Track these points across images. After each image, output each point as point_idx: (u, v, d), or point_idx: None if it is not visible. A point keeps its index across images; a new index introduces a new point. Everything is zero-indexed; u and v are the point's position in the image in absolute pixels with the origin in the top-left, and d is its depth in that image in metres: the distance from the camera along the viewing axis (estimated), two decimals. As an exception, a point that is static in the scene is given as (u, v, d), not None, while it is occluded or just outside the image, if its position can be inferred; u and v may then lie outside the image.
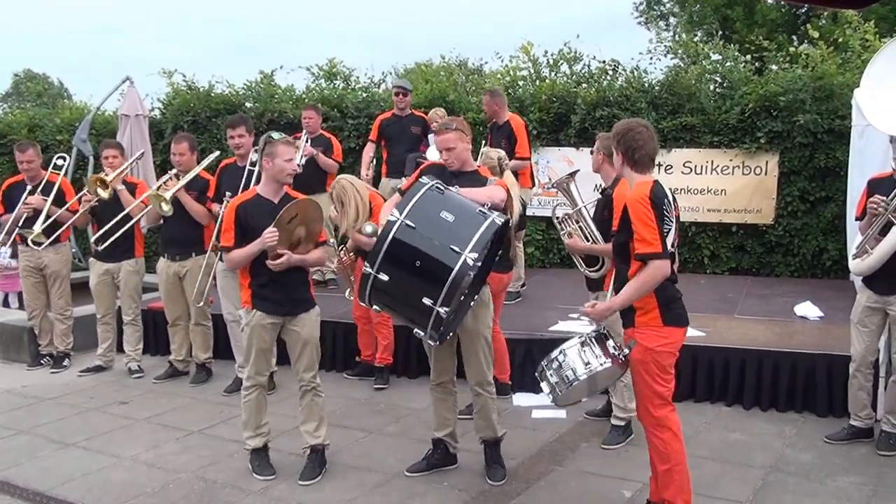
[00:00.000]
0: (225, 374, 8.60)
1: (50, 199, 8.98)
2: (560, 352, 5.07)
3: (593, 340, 5.04)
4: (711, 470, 6.13)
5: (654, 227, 4.81)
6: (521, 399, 7.85)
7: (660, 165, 11.45)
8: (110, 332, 9.28)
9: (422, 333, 5.33)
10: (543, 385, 5.18)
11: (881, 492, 5.75)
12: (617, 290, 5.10)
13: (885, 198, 6.07)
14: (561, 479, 6.12)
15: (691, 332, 7.78)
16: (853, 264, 6.49)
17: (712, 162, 11.46)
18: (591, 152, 6.82)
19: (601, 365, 4.98)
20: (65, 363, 9.46)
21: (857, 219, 6.62)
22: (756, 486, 5.88)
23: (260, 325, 6.16)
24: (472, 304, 5.73)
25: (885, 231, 6.10)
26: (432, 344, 5.56)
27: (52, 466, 6.54)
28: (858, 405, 6.65)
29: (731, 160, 11.38)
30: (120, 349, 9.39)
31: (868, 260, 6.20)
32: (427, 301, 5.07)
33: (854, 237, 6.71)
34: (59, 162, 9.47)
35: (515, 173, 8.55)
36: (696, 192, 11.39)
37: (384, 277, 5.16)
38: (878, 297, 6.36)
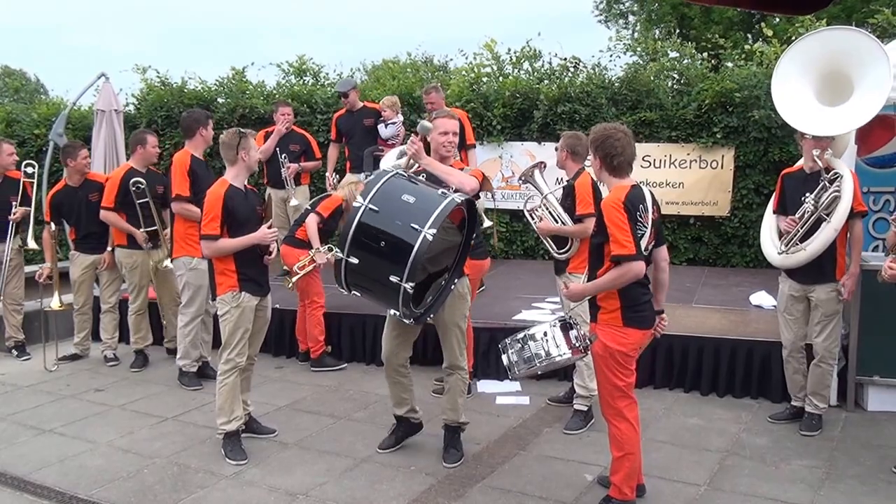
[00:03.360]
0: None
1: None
2: (525, 335, 5.23)
3: (557, 329, 5.19)
4: (670, 454, 6.29)
5: (626, 230, 4.97)
6: (485, 386, 8.02)
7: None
8: (87, 321, 9.44)
9: (396, 313, 5.56)
10: (504, 357, 5.37)
11: (833, 474, 5.92)
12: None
13: (813, 195, 6.47)
14: (524, 462, 6.25)
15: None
16: (780, 259, 6.78)
17: (670, 156, 11.66)
18: (556, 149, 7.03)
19: (560, 355, 5.16)
20: (28, 351, 9.60)
21: (774, 212, 6.95)
22: (713, 470, 6.03)
23: (250, 306, 6.41)
24: (452, 287, 5.95)
25: (815, 228, 6.49)
26: (407, 322, 5.78)
27: (30, 452, 6.61)
28: (796, 387, 6.99)
29: (688, 154, 11.58)
30: (95, 338, 9.54)
31: (801, 255, 6.55)
32: (394, 278, 5.29)
33: (770, 230, 6.97)
34: (29, 170, 9.64)
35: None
36: (654, 185, 11.54)
37: (354, 261, 5.41)
38: (800, 287, 6.72)
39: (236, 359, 6.41)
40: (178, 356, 8.33)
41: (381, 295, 5.62)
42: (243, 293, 6.38)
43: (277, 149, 10.54)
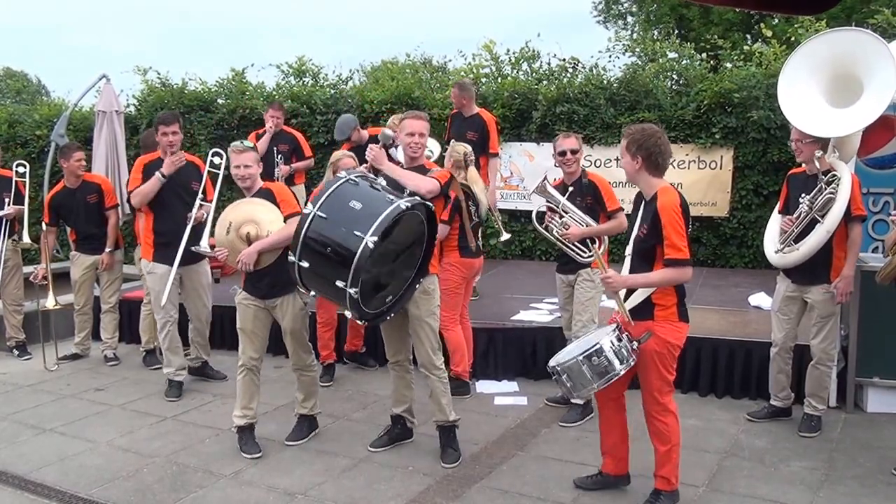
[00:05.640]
0: (220, 363, 8.80)
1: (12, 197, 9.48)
2: (591, 350, 5.08)
3: (624, 337, 5.12)
4: (668, 454, 6.29)
5: (684, 235, 5.08)
6: (483, 386, 8.03)
7: (618, 160, 11.63)
8: (88, 321, 9.48)
9: (348, 314, 5.65)
10: (564, 378, 5.21)
11: (832, 476, 5.92)
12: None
13: (809, 196, 6.46)
14: (522, 463, 6.26)
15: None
16: (776, 258, 6.81)
17: (669, 156, 11.63)
18: (568, 152, 6.97)
19: (633, 359, 5.10)
20: (29, 350, 9.65)
21: (779, 212, 6.96)
22: (712, 471, 6.03)
23: (241, 303, 6.51)
24: (416, 288, 6.03)
25: (810, 228, 6.50)
26: (360, 323, 5.92)
27: (30, 451, 6.65)
28: (778, 386, 7.02)
29: (687, 155, 11.58)
30: (96, 338, 9.59)
31: (794, 255, 6.57)
32: (339, 283, 5.40)
33: (773, 230, 6.98)
34: (21, 169, 9.65)
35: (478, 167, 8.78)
36: (653, 185, 11.58)
37: (305, 264, 5.53)
38: (796, 287, 6.73)
39: (242, 356, 6.54)
40: (163, 365, 8.30)
41: (333, 296, 5.74)
42: (241, 290, 6.55)
43: (274, 148, 10.51)
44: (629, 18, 33.01)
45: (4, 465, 6.37)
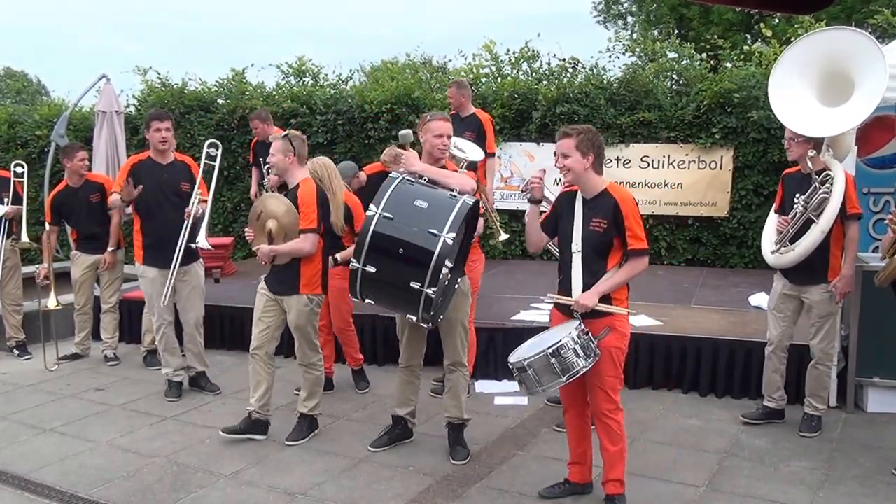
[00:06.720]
0: (220, 363, 8.88)
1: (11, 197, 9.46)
2: (555, 347, 4.98)
3: (586, 334, 5.04)
4: (668, 455, 6.27)
5: (643, 226, 5.10)
6: (483, 386, 8.05)
7: (618, 160, 11.72)
8: (88, 321, 9.49)
9: (414, 318, 5.59)
10: (529, 373, 5.09)
11: (833, 476, 5.90)
12: (586, 281, 5.16)
13: (804, 196, 6.45)
14: (522, 463, 6.26)
15: (649, 321, 8.03)
16: (773, 258, 6.77)
17: (669, 156, 11.68)
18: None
19: (597, 354, 5.03)
20: (29, 350, 9.66)
21: (775, 211, 6.95)
22: (712, 471, 6.01)
23: (258, 292, 6.68)
24: (455, 287, 5.96)
25: (805, 228, 6.48)
26: (425, 326, 5.84)
27: (30, 451, 6.64)
28: (772, 387, 6.97)
29: (687, 155, 11.60)
30: (96, 337, 9.61)
31: (790, 255, 6.54)
32: (415, 284, 5.33)
33: (770, 230, 6.96)
34: (19, 170, 9.63)
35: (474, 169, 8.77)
36: (653, 185, 11.60)
37: (371, 269, 5.43)
38: (793, 286, 6.71)
39: (253, 342, 6.70)
40: (161, 366, 8.31)
41: (399, 301, 5.64)
42: (263, 281, 6.71)
43: (261, 159, 10.46)
44: (629, 18, 33.07)
45: (4, 465, 6.36)
